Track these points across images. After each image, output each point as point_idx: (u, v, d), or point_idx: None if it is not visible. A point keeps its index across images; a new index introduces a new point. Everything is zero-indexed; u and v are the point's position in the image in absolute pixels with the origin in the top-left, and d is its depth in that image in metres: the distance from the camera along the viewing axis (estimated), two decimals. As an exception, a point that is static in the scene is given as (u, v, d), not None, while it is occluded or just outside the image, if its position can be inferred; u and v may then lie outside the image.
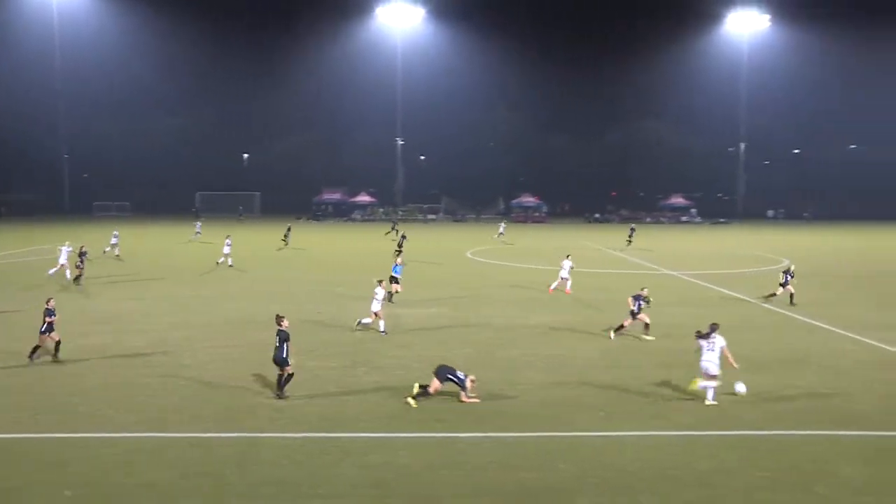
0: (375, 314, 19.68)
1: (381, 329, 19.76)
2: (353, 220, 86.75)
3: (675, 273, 35.18)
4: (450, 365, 14.34)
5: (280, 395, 13.82)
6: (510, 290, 28.51)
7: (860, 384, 15.65)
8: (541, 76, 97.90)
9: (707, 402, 13.83)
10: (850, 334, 20.84)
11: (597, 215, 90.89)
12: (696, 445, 12.03)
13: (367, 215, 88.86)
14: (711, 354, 13.98)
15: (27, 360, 16.12)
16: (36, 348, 16.19)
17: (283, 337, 13.71)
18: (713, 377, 13.88)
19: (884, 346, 19.40)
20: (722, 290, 29.34)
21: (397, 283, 25.25)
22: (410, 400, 13.72)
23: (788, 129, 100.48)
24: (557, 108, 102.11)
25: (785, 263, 30.08)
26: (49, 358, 16.31)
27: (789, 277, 26.04)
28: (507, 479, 10.70)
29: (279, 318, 13.98)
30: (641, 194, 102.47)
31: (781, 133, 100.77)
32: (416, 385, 13.96)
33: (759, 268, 37.87)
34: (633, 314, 19.43)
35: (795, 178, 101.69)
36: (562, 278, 27.56)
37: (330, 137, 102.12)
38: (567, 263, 27.76)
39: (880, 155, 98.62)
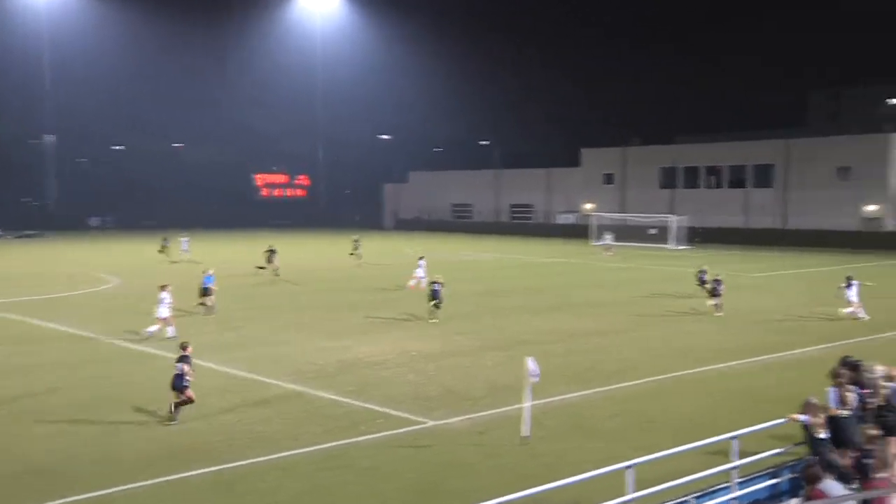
0: (163, 320, 24.42)
1: (170, 335, 24.41)
2: None
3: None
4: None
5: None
6: None
7: (221, 415, 17.16)
8: None
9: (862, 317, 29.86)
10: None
11: None
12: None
13: None
14: (851, 291, 30.46)
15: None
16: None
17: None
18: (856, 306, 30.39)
19: (227, 369, 21.74)
20: (35, 321, 28.53)
21: (209, 294, 30.12)
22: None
23: (108, 120, 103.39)
24: None
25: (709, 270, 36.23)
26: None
27: (719, 285, 32.14)
28: None
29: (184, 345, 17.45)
30: None
31: (100, 124, 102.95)
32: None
33: (83, 290, 38.19)
34: None
35: (121, 179, 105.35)
36: (420, 277, 37.06)
37: None
38: (423, 263, 38.12)
39: (201, 153, 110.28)
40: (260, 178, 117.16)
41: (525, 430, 15.47)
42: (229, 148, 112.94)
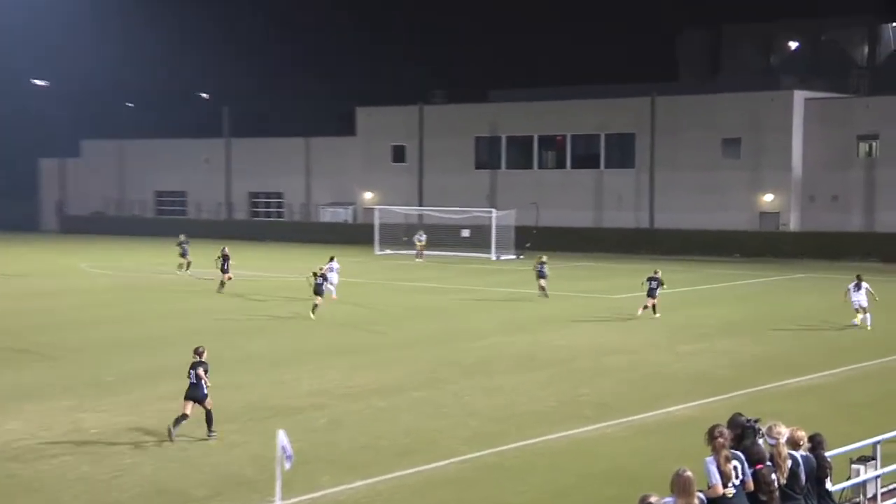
0: None
1: None
2: None
3: None
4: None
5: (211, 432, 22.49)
6: None
7: None
8: None
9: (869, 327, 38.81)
10: None
11: None
12: None
13: None
14: (859, 294, 39.27)
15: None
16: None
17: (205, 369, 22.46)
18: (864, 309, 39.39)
19: None
20: None
21: None
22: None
23: None
24: None
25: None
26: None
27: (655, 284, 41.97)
28: None
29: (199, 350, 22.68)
30: None
31: None
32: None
33: None
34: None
35: None
36: (333, 284, 45.15)
37: None
38: (336, 266, 46.35)
39: None
40: None
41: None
42: None
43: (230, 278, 50.58)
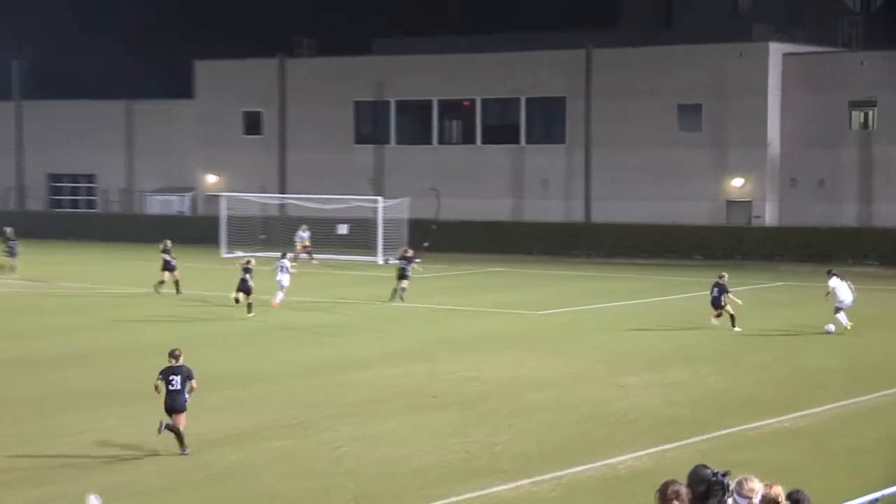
0: None
1: None
2: None
3: None
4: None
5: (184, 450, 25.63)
6: None
7: None
8: None
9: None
10: None
11: None
12: None
13: None
14: (846, 290, 44.34)
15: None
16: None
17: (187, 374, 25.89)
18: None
19: None
20: None
21: None
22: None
23: None
24: None
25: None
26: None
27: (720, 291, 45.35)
28: None
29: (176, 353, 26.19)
30: None
31: None
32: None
33: None
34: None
35: None
36: (285, 286, 51.24)
37: None
38: (287, 264, 51.99)
39: None
40: None
41: None
42: None
43: (176, 280, 54.62)
